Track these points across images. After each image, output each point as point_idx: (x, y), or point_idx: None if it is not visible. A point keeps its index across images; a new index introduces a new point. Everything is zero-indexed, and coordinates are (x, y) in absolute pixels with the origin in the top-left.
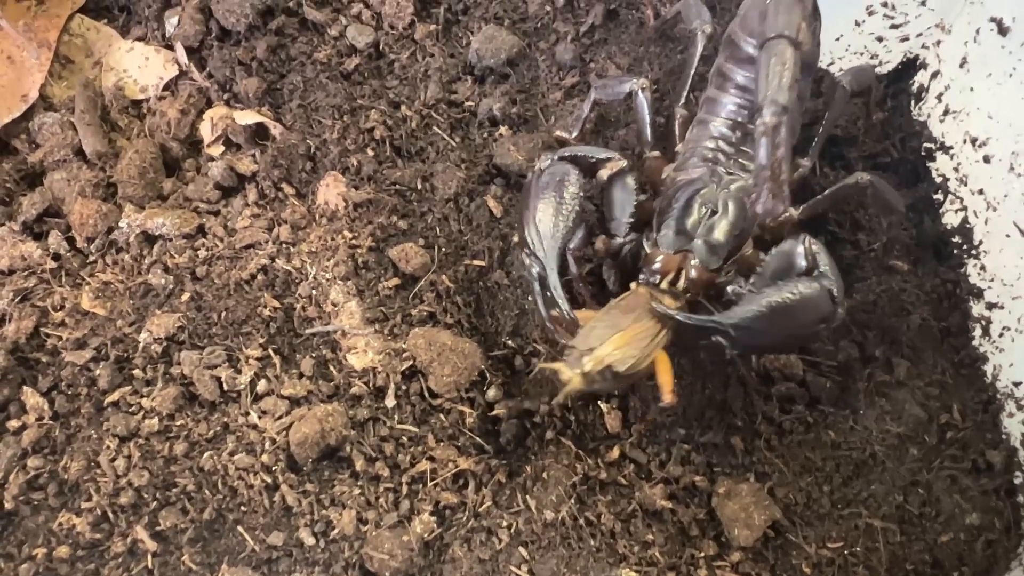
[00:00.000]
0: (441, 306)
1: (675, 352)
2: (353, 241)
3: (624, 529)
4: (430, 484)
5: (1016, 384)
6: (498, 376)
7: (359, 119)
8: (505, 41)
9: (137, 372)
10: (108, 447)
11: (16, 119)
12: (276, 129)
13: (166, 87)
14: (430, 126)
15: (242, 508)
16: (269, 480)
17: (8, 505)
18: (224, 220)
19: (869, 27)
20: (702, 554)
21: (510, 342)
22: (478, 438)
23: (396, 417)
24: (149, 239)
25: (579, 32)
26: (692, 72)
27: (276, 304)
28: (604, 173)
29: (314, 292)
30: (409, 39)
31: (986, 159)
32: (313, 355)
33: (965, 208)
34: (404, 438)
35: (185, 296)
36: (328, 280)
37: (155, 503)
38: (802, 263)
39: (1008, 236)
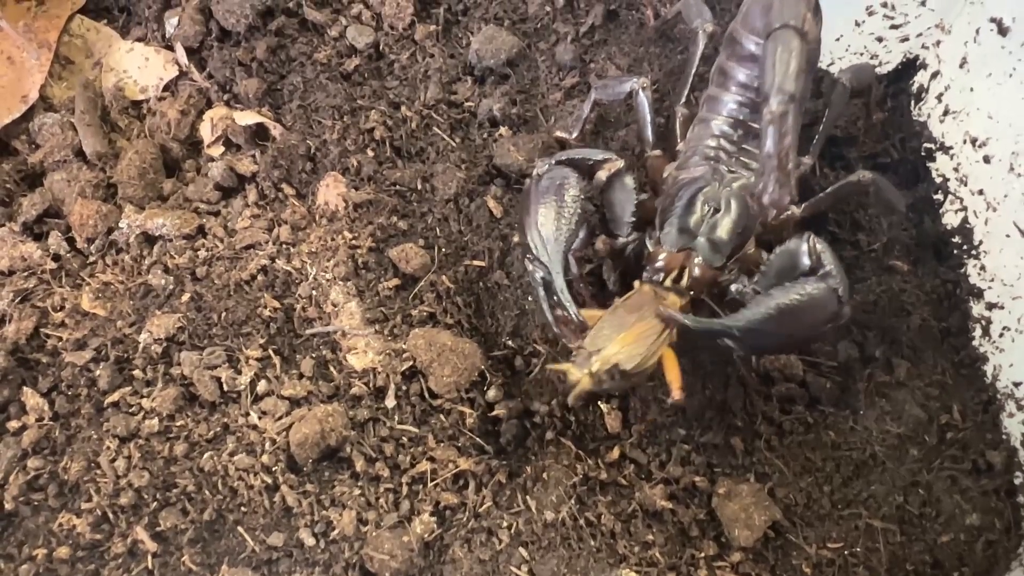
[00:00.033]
0: (441, 306)
1: (678, 352)
2: (353, 241)
3: (624, 529)
4: (430, 484)
5: (1016, 384)
6: (498, 376)
7: (359, 120)
8: (505, 42)
9: (137, 373)
10: (108, 448)
11: (16, 120)
12: (276, 130)
13: (166, 88)
14: (430, 127)
15: (242, 509)
16: (269, 481)
17: (8, 506)
18: (224, 221)
19: (869, 27)
20: (702, 554)
21: (510, 342)
22: (478, 439)
23: (396, 418)
24: (149, 240)
25: (579, 33)
26: (693, 71)
27: (276, 305)
28: (603, 174)
29: (314, 292)
30: (409, 40)
31: (986, 159)
32: (313, 356)
33: (965, 208)
34: (404, 439)
35: (185, 297)
36: (328, 280)
37: (155, 504)
38: (806, 261)
39: (1008, 236)
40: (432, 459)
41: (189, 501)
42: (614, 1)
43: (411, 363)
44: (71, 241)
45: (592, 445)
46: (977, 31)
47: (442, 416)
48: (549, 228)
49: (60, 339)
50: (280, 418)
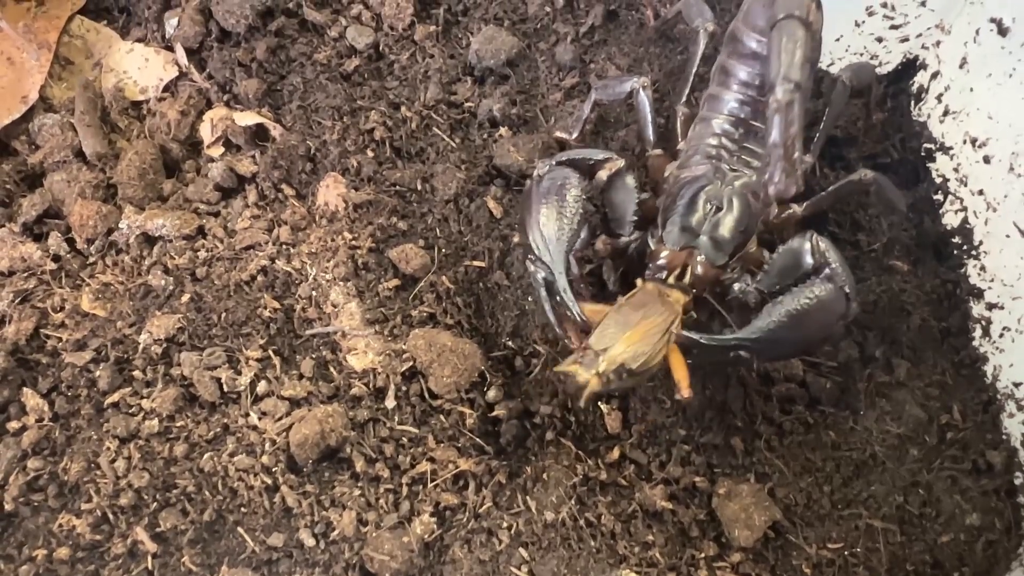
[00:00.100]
0: (441, 307)
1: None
2: (353, 242)
3: (624, 530)
4: (430, 485)
5: (1016, 384)
6: (498, 377)
7: (359, 120)
8: (505, 42)
9: (137, 373)
10: (108, 448)
11: (16, 120)
12: (276, 130)
13: (166, 88)
14: (430, 127)
15: (242, 509)
16: (269, 481)
17: (8, 506)
18: (224, 221)
19: (869, 28)
20: (702, 555)
21: (510, 343)
22: (478, 439)
23: (396, 418)
24: (149, 240)
25: (579, 33)
26: (694, 70)
27: (276, 305)
28: (603, 174)
29: (314, 293)
30: (409, 40)
31: (986, 159)
32: (313, 356)
33: (965, 208)
34: (404, 439)
35: (185, 297)
36: (328, 281)
37: (155, 504)
38: (809, 260)
39: (1008, 236)
40: (432, 460)
41: (189, 502)
42: (614, 1)
43: (411, 363)
44: (71, 242)
45: (592, 445)
46: (977, 31)
47: (442, 416)
48: (551, 228)
49: (60, 340)
50: (280, 419)
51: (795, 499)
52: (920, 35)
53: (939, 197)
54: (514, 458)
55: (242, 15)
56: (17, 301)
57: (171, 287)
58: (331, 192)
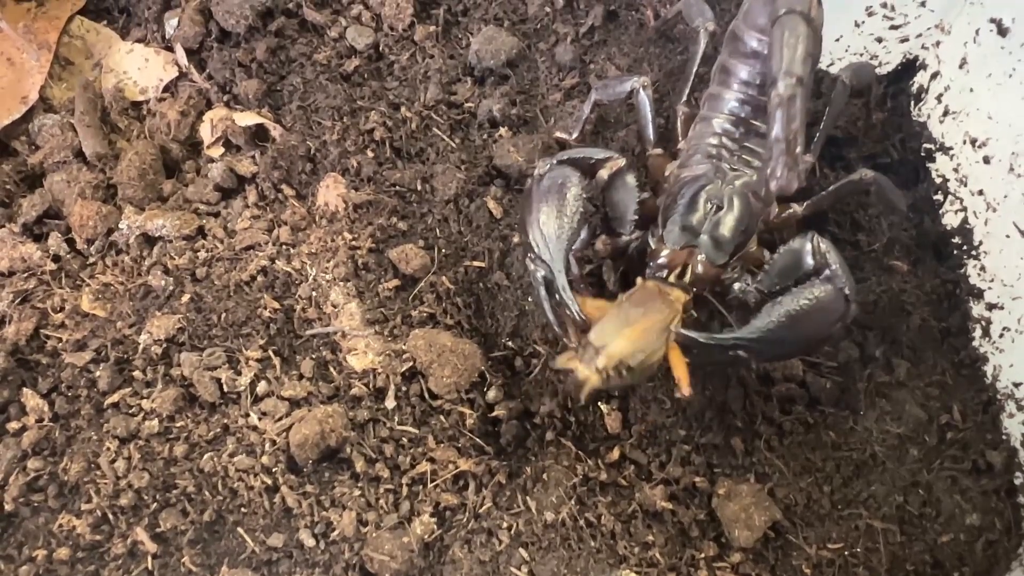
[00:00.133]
0: (441, 307)
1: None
2: (353, 242)
3: (624, 530)
4: (430, 485)
5: (1016, 385)
6: (498, 377)
7: (359, 120)
8: (505, 42)
9: (137, 374)
10: (108, 449)
11: (16, 121)
12: (276, 130)
13: (166, 89)
14: (430, 127)
15: (242, 509)
16: (269, 481)
17: (8, 507)
18: (224, 221)
19: (869, 28)
20: (702, 555)
21: (510, 343)
22: (478, 439)
23: (396, 418)
24: (149, 241)
25: (579, 33)
26: (694, 70)
27: (276, 305)
28: (604, 173)
29: (314, 293)
30: (409, 40)
31: (986, 160)
32: (313, 356)
33: (965, 209)
34: (404, 439)
35: (185, 298)
36: (328, 281)
37: (155, 504)
38: (810, 261)
39: (1008, 237)
40: (432, 460)
41: (189, 502)
42: (614, 1)
43: (411, 364)
44: (71, 242)
45: (592, 446)
46: (977, 32)
47: (442, 417)
48: (551, 227)
49: (60, 340)
50: (280, 419)
51: (795, 499)
52: (920, 35)
53: (939, 197)
54: (514, 458)
55: (242, 15)
56: (17, 301)
57: (171, 287)
58: (331, 192)
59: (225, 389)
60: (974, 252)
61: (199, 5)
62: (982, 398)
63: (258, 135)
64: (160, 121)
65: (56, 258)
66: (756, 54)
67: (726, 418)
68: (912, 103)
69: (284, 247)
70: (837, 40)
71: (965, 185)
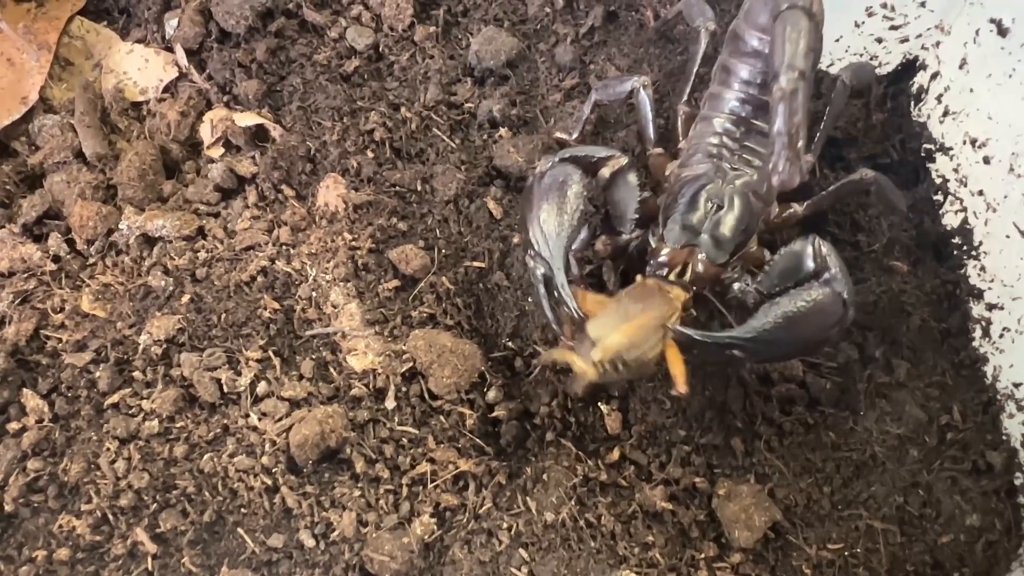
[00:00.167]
0: (441, 308)
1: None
2: (353, 243)
3: (624, 530)
4: (430, 486)
5: (1016, 385)
6: (498, 378)
7: (359, 121)
8: (505, 43)
9: (137, 374)
10: (108, 449)
11: (16, 121)
12: (276, 131)
13: (166, 89)
14: (430, 128)
15: (242, 510)
16: (269, 482)
17: (8, 507)
18: (224, 222)
19: (869, 28)
20: (702, 555)
21: (510, 344)
22: (478, 440)
23: (396, 419)
24: (149, 241)
25: (579, 34)
26: (695, 70)
27: (276, 306)
28: (606, 171)
29: (314, 294)
30: (409, 41)
31: (986, 160)
32: (313, 357)
33: (965, 209)
34: (404, 440)
35: (185, 298)
36: (328, 282)
37: (155, 505)
38: (810, 264)
39: (1008, 237)
40: (432, 460)
41: (189, 502)
42: (614, 2)
43: (411, 364)
44: (71, 243)
45: (592, 446)
46: (977, 32)
47: (442, 417)
48: (551, 225)
49: (60, 340)
50: (280, 419)
51: (795, 500)
52: (920, 36)
53: (939, 197)
54: (514, 459)
55: (242, 16)
56: (17, 302)
57: (171, 288)
58: (331, 193)
59: (225, 389)
60: (974, 252)
61: (199, 5)
62: (982, 398)
63: (258, 135)
64: (160, 121)
65: (56, 258)
66: (757, 53)
67: (726, 419)
68: (912, 103)
69: (284, 247)
70: (837, 40)
71: (965, 185)
